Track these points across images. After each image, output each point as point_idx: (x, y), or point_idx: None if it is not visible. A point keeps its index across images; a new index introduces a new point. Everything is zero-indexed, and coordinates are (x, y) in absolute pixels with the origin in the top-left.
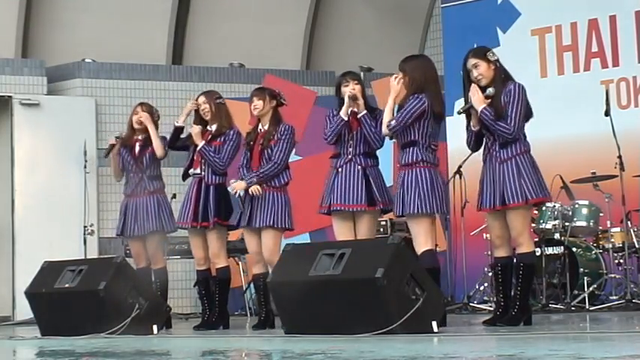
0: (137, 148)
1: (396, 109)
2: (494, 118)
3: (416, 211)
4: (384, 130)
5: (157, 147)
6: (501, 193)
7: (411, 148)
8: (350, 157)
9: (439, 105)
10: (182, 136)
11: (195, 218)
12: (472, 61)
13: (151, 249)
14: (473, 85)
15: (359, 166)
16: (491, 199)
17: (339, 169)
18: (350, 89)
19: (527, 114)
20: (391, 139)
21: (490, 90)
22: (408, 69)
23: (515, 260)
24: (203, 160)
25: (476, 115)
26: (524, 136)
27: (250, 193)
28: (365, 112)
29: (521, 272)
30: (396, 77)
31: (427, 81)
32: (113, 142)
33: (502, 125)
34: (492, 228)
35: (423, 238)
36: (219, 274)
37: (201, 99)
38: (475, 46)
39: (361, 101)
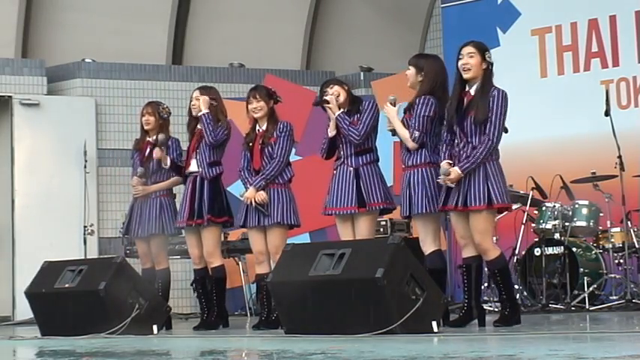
0: (147, 152)
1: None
2: (474, 157)
3: (424, 210)
4: (411, 145)
5: (172, 186)
6: (465, 194)
7: (421, 150)
8: (342, 159)
9: (444, 108)
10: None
11: (191, 216)
12: (470, 49)
13: (155, 250)
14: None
15: (350, 168)
16: (455, 199)
17: (335, 172)
18: (329, 96)
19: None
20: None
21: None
22: (423, 67)
23: (487, 269)
24: (198, 157)
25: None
26: None
27: (256, 202)
28: (339, 111)
29: (498, 278)
30: (390, 104)
31: (440, 84)
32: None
33: (485, 153)
34: (456, 228)
35: (431, 238)
36: (214, 273)
37: (195, 94)
38: None
39: (333, 103)
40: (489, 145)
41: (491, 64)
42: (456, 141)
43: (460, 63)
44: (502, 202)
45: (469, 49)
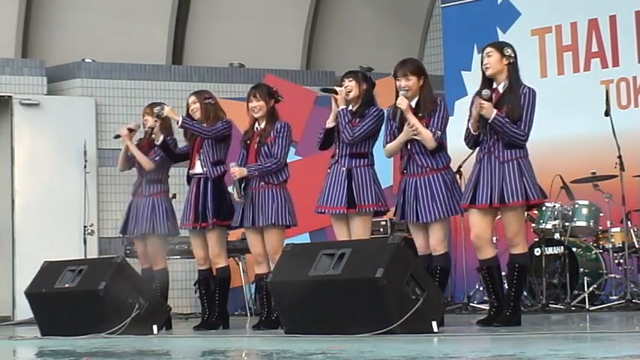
0: (144, 150)
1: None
2: (508, 123)
3: (457, 212)
4: (432, 144)
5: (142, 162)
6: (500, 191)
7: (444, 152)
8: (337, 158)
9: None
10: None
11: (196, 219)
12: (487, 50)
13: (150, 250)
14: (476, 98)
15: (343, 168)
16: (488, 196)
17: (329, 171)
18: (340, 88)
19: None
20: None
21: (485, 92)
22: (424, 71)
23: (509, 260)
24: (202, 157)
25: (475, 120)
26: None
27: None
28: (342, 107)
29: (515, 273)
30: (403, 96)
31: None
32: (132, 126)
33: (516, 131)
34: (477, 227)
35: (446, 239)
36: (219, 273)
37: (191, 99)
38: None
39: (341, 96)
40: (521, 136)
41: (513, 58)
42: (484, 138)
43: (482, 64)
44: (538, 197)
45: (487, 49)
